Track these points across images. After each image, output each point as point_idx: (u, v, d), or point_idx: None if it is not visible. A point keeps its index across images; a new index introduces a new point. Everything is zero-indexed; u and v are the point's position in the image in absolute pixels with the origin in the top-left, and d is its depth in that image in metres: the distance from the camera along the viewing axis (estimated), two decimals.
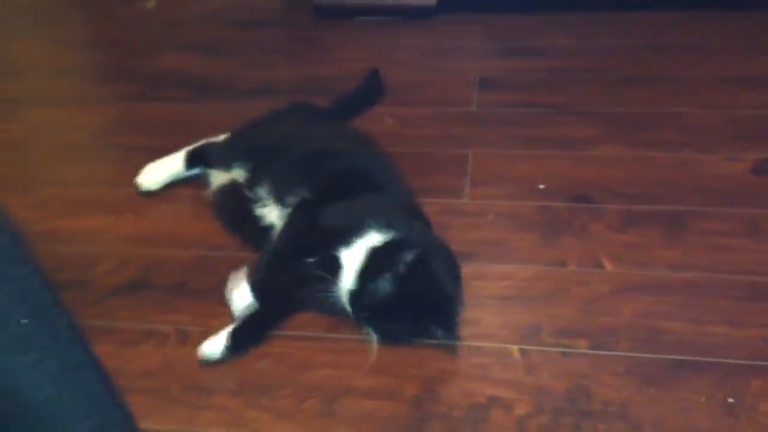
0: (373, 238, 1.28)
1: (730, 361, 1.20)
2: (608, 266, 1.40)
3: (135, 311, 1.37)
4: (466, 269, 1.40)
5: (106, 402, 0.65)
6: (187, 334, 1.32)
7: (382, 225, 1.29)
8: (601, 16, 2.35)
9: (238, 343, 1.26)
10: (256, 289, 1.31)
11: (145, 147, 1.74)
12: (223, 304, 1.34)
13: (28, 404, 0.56)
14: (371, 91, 1.93)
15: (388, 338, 1.25)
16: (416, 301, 1.23)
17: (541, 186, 1.62)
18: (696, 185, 1.60)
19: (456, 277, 1.29)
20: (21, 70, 2.37)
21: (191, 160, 1.68)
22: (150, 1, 2.68)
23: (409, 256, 1.21)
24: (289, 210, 1.40)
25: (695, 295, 1.32)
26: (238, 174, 1.52)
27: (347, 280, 1.26)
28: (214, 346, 1.26)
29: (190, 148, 1.69)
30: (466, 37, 2.31)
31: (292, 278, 1.32)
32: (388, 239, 1.27)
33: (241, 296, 1.30)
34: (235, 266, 1.43)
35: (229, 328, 1.27)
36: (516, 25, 2.35)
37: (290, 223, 1.38)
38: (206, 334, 1.31)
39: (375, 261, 1.25)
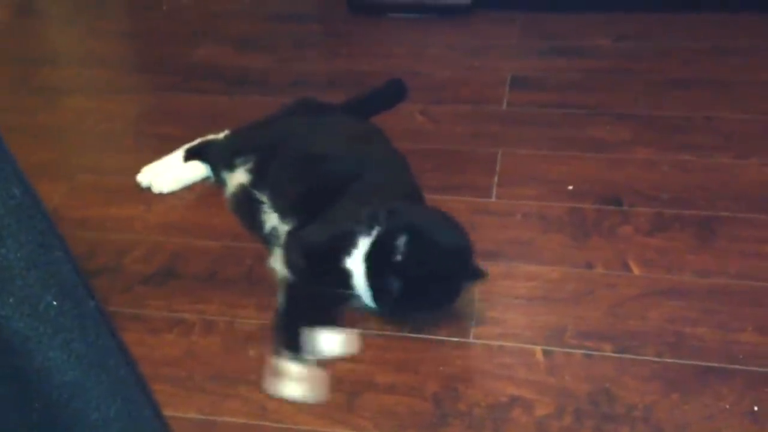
0: (364, 243, 1.29)
1: (757, 369, 1.18)
2: (636, 270, 1.39)
3: (162, 300, 1.39)
4: (493, 269, 1.40)
5: (132, 387, 0.66)
6: (212, 323, 1.33)
7: (366, 226, 1.30)
8: (642, 17, 2.32)
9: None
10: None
11: (179, 137, 1.76)
12: (255, 295, 1.37)
13: (53, 385, 0.57)
14: (389, 96, 1.91)
15: (426, 313, 1.30)
16: (431, 276, 1.25)
17: (570, 187, 1.61)
18: (729, 191, 1.57)
19: (454, 227, 1.32)
20: (58, 59, 2.41)
21: (189, 157, 1.69)
22: None
23: (399, 244, 1.23)
24: (286, 221, 1.43)
25: (723, 302, 1.31)
26: (243, 175, 1.54)
27: (360, 286, 1.30)
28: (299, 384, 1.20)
29: (188, 146, 1.71)
30: (501, 36, 2.30)
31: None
32: (373, 239, 1.28)
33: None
34: (263, 257, 1.45)
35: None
36: (553, 24, 2.33)
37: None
38: (232, 324, 1.32)
39: (374, 262, 1.27)
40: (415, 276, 1.25)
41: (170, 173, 1.67)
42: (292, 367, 1.21)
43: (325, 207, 1.39)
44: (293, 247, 1.36)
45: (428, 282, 1.26)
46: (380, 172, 1.48)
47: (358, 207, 1.36)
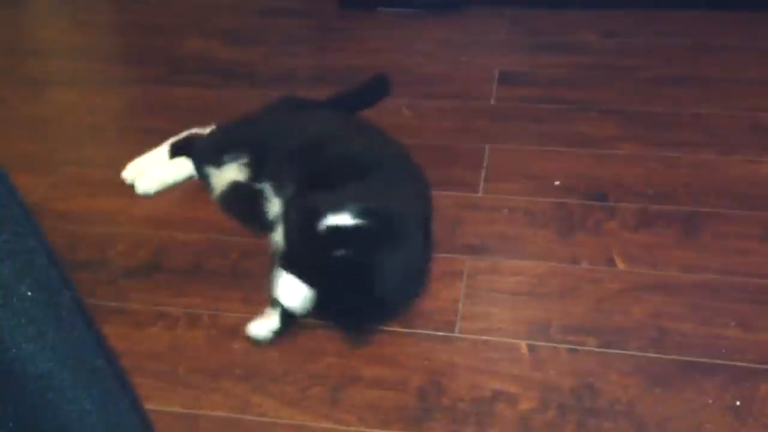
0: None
1: (740, 364, 1.19)
2: (621, 265, 1.39)
3: (146, 293, 1.39)
4: (479, 263, 1.40)
5: (108, 378, 0.65)
6: (196, 317, 1.33)
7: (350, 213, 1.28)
8: (632, 14, 2.32)
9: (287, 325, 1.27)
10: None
11: (164, 130, 1.75)
12: (239, 289, 1.37)
13: (28, 376, 0.57)
14: (373, 91, 1.91)
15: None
16: (342, 290, 1.25)
17: (557, 182, 1.61)
18: (714, 187, 1.58)
19: (403, 278, 1.30)
20: (45, 51, 2.39)
21: (175, 153, 1.67)
22: None
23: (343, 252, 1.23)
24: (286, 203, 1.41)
25: (707, 297, 1.31)
26: (234, 170, 1.52)
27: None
28: (263, 326, 1.26)
29: (173, 140, 1.69)
30: (491, 31, 2.30)
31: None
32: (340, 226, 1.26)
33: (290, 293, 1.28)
34: (248, 251, 1.44)
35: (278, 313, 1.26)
36: (543, 21, 2.33)
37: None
38: (216, 318, 1.32)
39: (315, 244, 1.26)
40: (335, 279, 1.24)
41: (154, 174, 1.64)
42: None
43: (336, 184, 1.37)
44: (295, 209, 1.35)
45: (338, 291, 1.25)
46: (393, 158, 1.47)
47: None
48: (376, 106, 1.84)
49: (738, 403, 1.12)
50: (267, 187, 1.46)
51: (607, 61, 2.09)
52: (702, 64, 2.05)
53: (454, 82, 2.03)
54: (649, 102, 1.89)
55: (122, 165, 1.68)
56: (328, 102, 1.77)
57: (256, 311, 1.31)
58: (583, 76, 2.03)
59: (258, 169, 1.50)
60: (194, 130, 1.71)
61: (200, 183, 1.64)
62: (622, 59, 2.10)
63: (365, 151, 1.47)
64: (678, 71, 2.03)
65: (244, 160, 1.52)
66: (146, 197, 1.63)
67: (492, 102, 1.93)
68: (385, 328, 1.29)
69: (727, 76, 1.99)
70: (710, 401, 1.13)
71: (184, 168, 1.66)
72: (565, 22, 2.31)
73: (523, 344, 1.25)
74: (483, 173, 1.65)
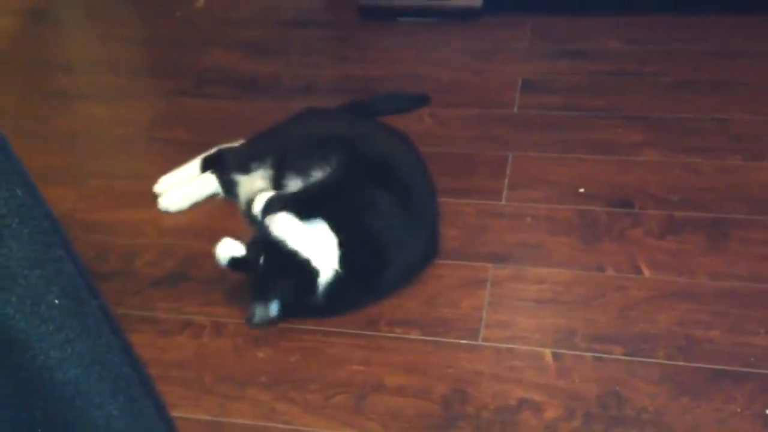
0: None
1: None
2: (647, 272, 1.38)
3: (173, 302, 1.40)
4: (503, 271, 1.40)
5: (135, 386, 0.66)
6: (222, 326, 1.34)
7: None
8: (651, 20, 2.31)
9: None
10: None
11: (190, 142, 1.77)
12: None
13: (55, 383, 0.58)
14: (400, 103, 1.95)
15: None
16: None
17: (581, 190, 1.60)
18: (740, 193, 1.56)
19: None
20: (71, 65, 2.42)
21: (206, 167, 1.68)
22: (199, 1, 2.72)
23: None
24: None
25: (734, 305, 1.30)
26: (260, 175, 1.54)
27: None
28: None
29: (204, 155, 1.69)
30: (511, 39, 2.29)
31: None
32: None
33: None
34: None
35: None
36: (563, 27, 2.32)
37: None
38: (241, 326, 1.33)
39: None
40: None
41: (177, 192, 1.64)
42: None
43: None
44: None
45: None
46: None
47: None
48: (398, 115, 1.85)
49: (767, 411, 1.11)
50: (291, 183, 1.47)
51: (629, 68, 2.08)
52: (724, 69, 2.03)
53: (475, 91, 2.03)
54: (672, 108, 1.87)
55: (149, 176, 1.70)
56: (352, 106, 1.79)
57: (281, 320, 1.33)
58: (606, 82, 2.01)
59: (281, 170, 1.51)
60: (224, 145, 1.71)
61: (224, 198, 1.65)
62: (644, 65, 2.08)
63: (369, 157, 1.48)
64: (700, 76, 2.01)
65: (270, 163, 1.53)
66: (167, 214, 1.64)
67: (515, 110, 1.92)
68: (408, 336, 1.29)
69: (750, 80, 1.97)
70: (739, 410, 1.12)
71: (208, 185, 1.65)
72: (587, 29, 2.30)
73: (547, 352, 1.24)
74: (506, 181, 1.65)
